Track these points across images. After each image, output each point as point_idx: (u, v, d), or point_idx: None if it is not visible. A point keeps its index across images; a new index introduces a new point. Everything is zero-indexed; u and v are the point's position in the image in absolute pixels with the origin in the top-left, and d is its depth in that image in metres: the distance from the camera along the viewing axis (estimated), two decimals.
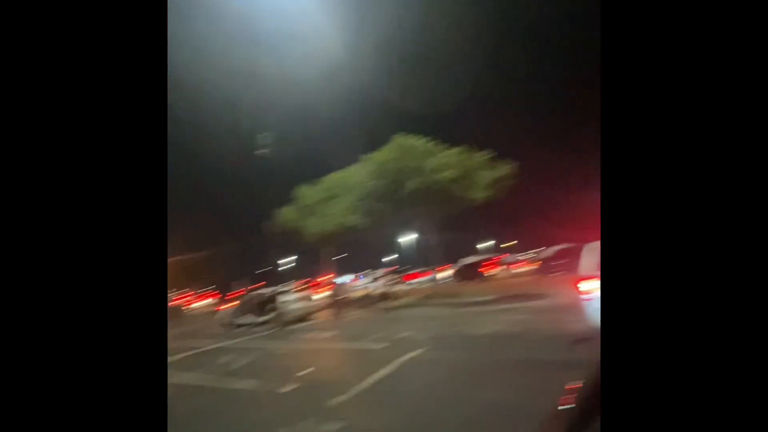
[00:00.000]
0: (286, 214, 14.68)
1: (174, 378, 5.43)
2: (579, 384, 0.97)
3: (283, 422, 3.18)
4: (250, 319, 11.39)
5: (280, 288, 11.77)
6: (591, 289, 4.27)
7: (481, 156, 12.31)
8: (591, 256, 4.49)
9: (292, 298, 11.82)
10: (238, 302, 12.57)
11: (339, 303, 12.67)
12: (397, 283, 20.31)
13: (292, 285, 17.09)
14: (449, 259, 20.38)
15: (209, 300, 26.86)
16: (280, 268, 29.69)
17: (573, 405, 0.95)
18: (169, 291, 27.10)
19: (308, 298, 12.86)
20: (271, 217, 11.43)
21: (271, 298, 10.93)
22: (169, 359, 7.15)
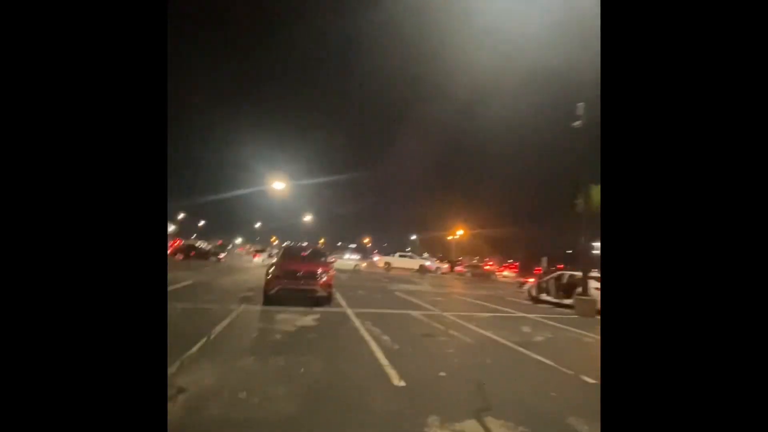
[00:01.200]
0: (599, 193, 12.92)
1: (483, 331, 6.30)
2: None
3: (580, 411, 3.02)
4: (554, 297, 11.21)
5: (594, 273, 10.65)
6: None
7: None
8: None
9: None
10: (540, 279, 12.60)
11: None
12: None
13: None
14: None
15: (512, 272, 28.44)
16: (592, 252, 26.94)
17: None
18: (475, 258, 30.94)
19: None
20: (583, 195, 10.42)
21: (582, 282, 10.19)
22: (479, 314, 8.33)
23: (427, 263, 28.92)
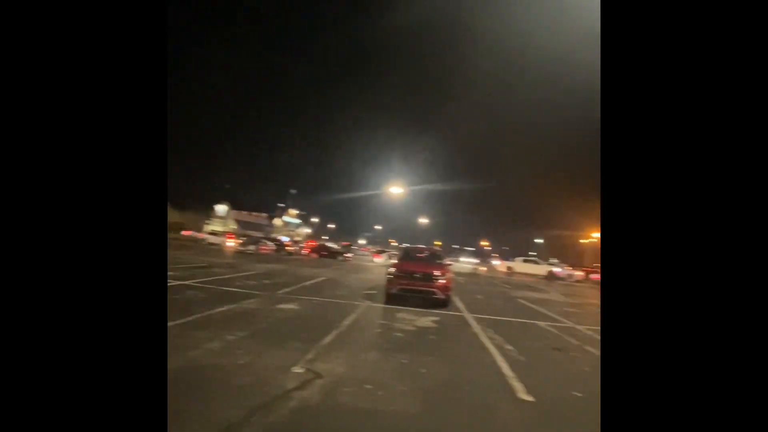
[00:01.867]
0: None
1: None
2: None
3: None
4: None
5: None
6: None
7: None
8: None
9: None
10: None
11: None
12: None
13: None
14: None
15: None
16: None
17: None
18: (581, 265, 26.37)
19: None
20: None
21: None
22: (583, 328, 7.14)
23: (557, 269, 26.14)
